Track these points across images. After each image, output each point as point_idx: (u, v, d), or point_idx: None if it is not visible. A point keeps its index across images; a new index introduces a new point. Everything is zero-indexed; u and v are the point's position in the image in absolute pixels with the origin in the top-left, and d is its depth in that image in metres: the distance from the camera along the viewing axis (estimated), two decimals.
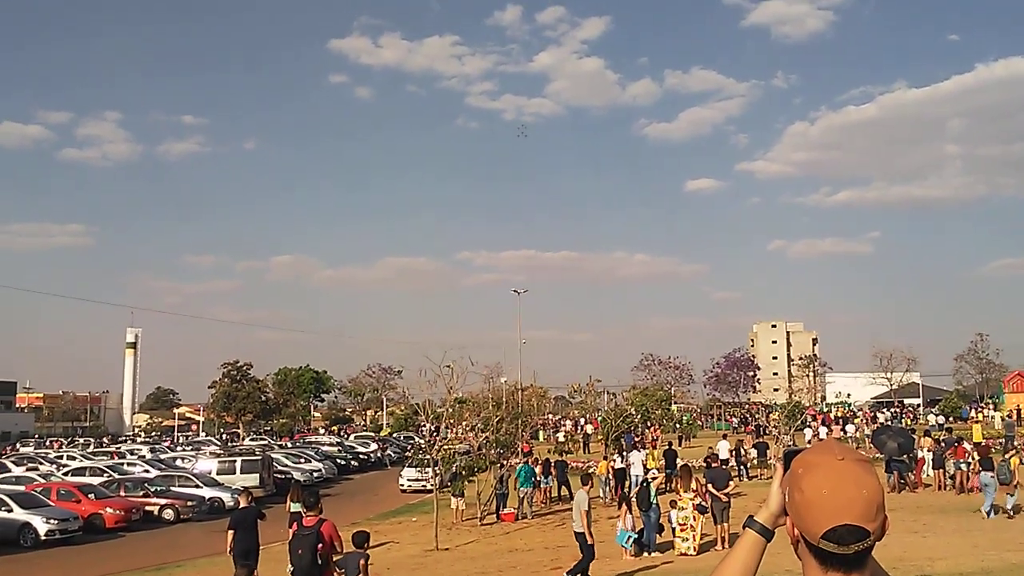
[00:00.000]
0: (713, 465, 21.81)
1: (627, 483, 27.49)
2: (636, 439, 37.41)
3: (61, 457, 49.32)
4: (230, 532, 15.06)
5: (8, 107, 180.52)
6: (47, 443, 78.35)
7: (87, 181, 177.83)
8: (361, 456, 51.51)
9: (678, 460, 30.25)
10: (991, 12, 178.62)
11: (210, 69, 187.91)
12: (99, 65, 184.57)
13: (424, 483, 31.06)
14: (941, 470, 27.22)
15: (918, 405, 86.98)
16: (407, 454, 41.05)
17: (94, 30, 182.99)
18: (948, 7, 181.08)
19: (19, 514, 24.62)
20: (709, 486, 18.68)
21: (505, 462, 28.26)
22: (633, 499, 19.64)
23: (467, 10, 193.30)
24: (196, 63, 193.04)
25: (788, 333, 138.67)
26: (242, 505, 16.13)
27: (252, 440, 71.34)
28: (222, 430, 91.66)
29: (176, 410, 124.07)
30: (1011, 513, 20.59)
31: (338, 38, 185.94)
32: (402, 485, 36.24)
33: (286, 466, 39.77)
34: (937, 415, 62.32)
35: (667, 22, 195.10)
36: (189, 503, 29.98)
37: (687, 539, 17.88)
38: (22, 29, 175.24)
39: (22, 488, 28.24)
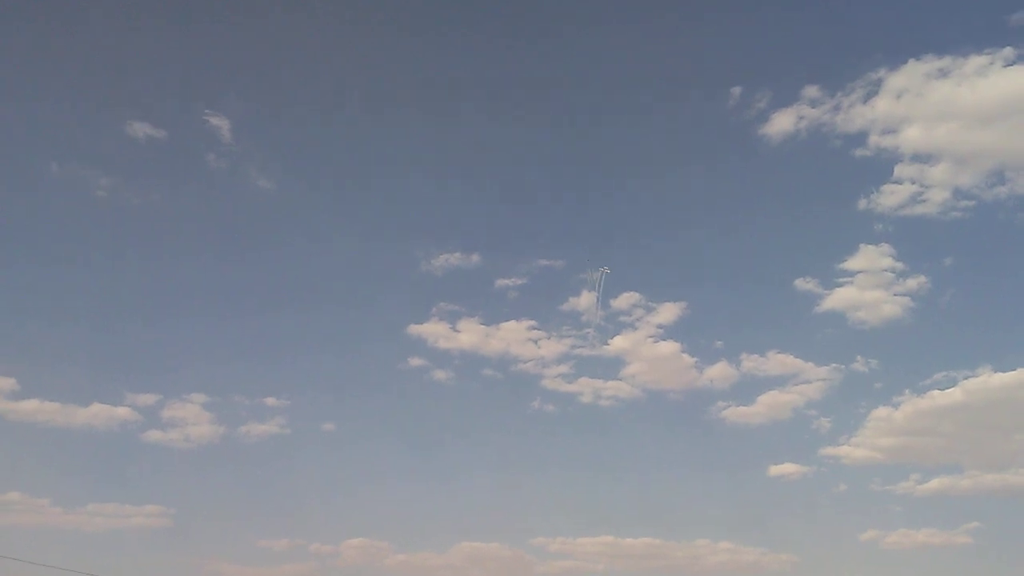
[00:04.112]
0: None
1: None
2: None
3: None
4: None
5: (100, 389, 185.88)
6: None
7: (168, 463, 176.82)
8: None
9: None
10: None
11: (294, 354, 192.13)
12: (189, 349, 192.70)
13: None
14: None
15: None
16: None
17: (185, 314, 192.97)
18: None
19: None
20: None
21: None
22: None
23: (543, 296, 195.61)
24: (281, 348, 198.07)
25: None
26: None
27: None
28: None
29: None
30: None
31: (417, 323, 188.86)
32: None
33: None
34: None
35: (741, 307, 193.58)
36: None
37: None
38: (119, 315, 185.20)
39: None
